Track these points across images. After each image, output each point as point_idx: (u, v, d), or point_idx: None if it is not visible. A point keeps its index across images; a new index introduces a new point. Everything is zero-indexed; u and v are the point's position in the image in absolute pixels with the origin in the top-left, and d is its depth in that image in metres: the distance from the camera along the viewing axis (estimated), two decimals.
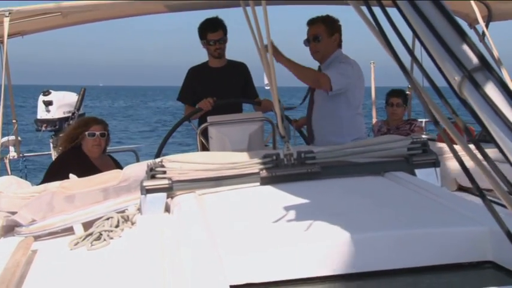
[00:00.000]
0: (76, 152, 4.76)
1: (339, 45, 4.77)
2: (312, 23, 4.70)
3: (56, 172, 4.21)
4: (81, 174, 3.07)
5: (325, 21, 4.68)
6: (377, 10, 1.25)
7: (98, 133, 4.75)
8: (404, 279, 1.75)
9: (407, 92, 6.24)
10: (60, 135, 6.32)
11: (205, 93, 5.15)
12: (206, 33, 5.22)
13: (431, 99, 1.17)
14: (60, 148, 5.04)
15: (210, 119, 4.52)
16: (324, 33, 4.64)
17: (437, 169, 2.69)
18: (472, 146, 1.04)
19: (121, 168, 3.81)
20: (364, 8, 1.44)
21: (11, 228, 2.85)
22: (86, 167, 4.28)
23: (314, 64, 4.83)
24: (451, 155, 2.85)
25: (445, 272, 1.77)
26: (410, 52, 1.14)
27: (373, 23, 1.26)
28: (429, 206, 2.15)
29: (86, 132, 4.74)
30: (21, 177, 4.59)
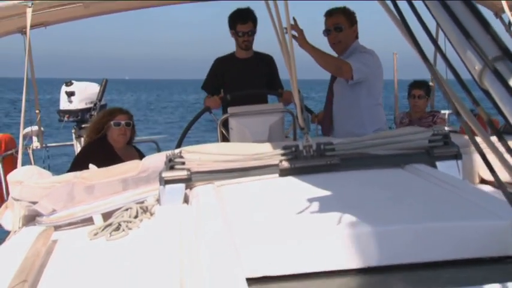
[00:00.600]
0: (101, 142, 4.79)
1: (357, 37, 4.74)
2: (331, 13, 4.67)
3: (81, 163, 4.24)
4: (105, 164, 3.08)
5: (345, 12, 4.67)
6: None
7: (123, 122, 4.78)
8: (424, 274, 1.73)
9: (431, 84, 6.16)
10: (84, 126, 6.39)
11: (231, 84, 5.16)
12: (236, 24, 5.20)
13: (454, 91, 1.14)
14: (86, 139, 5.07)
15: (230, 110, 4.52)
16: (346, 23, 4.62)
17: (459, 162, 2.64)
18: (494, 138, 1.01)
19: (143, 156, 3.84)
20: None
21: (32, 218, 2.88)
22: (111, 158, 4.31)
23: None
24: (474, 147, 2.81)
25: (466, 267, 1.74)
26: (434, 42, 1.12)
27: (396, 13, 1.24)
28: (450, 199, 2.11)
29: (112, 122, 4.76)
30: (44, 167, 4.64)
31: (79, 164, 4.38)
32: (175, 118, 36.84)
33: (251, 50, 5.38)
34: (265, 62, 5.47)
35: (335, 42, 4.68)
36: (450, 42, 1.01)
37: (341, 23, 4.61)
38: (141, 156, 4.90)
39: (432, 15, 1.04)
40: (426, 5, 1.05)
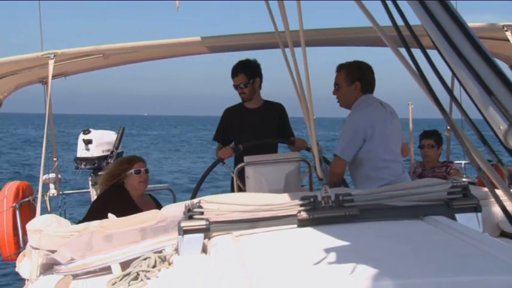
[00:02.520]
0: (118, 190, 4.82)
1: (366, 91, 4.62)
2: (336, 70, 4.67)
3: (97, 211, 4.26)
4: (123, 213, 3.10)
5: (347, 69, 4.60)
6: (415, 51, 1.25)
7: (143, 169, 4.84)
8: None
9: (446, 134, 6.16)
10: (100, 173, 6.43)
11: (241, 134, 5.19)
12: (232, 77, 5.32)
13: (472, 143, 1.16)
14: (101, 186, 5.10)
15: (246, 159, 4.54)
16: (344, 82, 4.56)
17: (479, 214, 2.63)
18: None
19: (160, 207, 3.85)
20: (402, 51, 1.45)
21: (50, 266, 2.89)
22: (128, 206, 4.33)
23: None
24: (493, 199, 2.80)
25: None
26: (454, 98, 1.14)
27: (413, 65, 1.26)
28: (470, 253, 2.09)
29: (132, 170, 4.81)
30: (60, 214, 4.66)
31: (96, 210, 4.40)
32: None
33: (259, 99, 5.42)
34: (275, 111, 5.49)
35: (337, 100, 4.70)
36: (471, 99, 1.03)
37: (338, 81, 4.60)
38: (157, 204, 4.93)
39: (453, 72, 1.06)
40: (444, 59, 1.07)
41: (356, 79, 4.57)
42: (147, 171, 4.90)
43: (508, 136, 0.92)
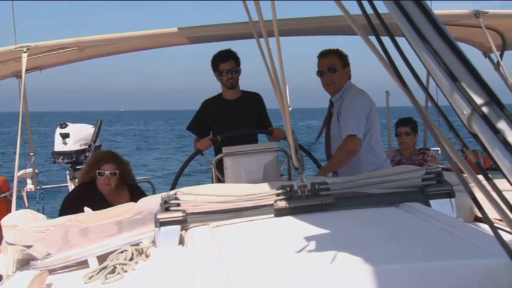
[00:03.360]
0: (90, 186, 4.79)
1: (349, 78, 4.84)
2: (325, 55, 4.76)
3: (70, 205, 4.23)
4: (94, 208, 3.09)
5: (338, 53, 4.77)
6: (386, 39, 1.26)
7: (107, 172, 4.75)
8: None
9: (422, 121, 6.21)
10: (79, 167, 6.40)
11: (220, 126, 5.19)
12: (218, 63, 5.31)
13: (442, 131, 1.17)
14: (78, 181, 5.08)
15: (225, 149, 4.54)
16: (339, 64, 4.70)
17: (453, 200, 2.66)
18: (482, 177, 1.03)
19: (136, 197, 3.82)
20: (373, 39, 1.45)
21: (26, 262, 2.87)
22: (99, 202, 4.29)
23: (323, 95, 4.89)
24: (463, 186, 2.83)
25: None
26: (421, 84, 1.15)
27: (383, 54, 1.26)
28: (444, 238, 2.12)
29: (97, 171, 4.76)
30: (37, 210, 4.62)
31: (68, 206, 4.38)
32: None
33: (238, 90, 5.44)
34: (253, 100, 5.52)
35: (328, 83, 4.76)
36: (437, 85, 1.04)
37: (335, 63, 4.70)
38: (133, 196, 4.84)
39: (420, 59, 1.07)
40: (412, 47, 1.08)
41: (347, 64, 4.81)
42: (113, 174, 4.78)
43: (471, 121, 0.93)
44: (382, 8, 1.23)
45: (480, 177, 1.03)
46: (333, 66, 4.70)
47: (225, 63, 5.29)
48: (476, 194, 1.11)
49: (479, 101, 0.92)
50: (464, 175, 1.11)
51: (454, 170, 1.12)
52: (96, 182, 4.80)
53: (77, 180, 6.32)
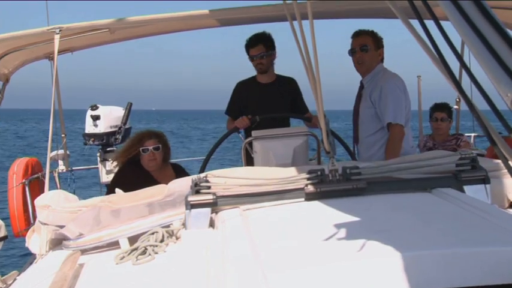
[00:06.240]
0: (135, 166, 4.81)
1: (382, 60, 4.78)
2: (358, 34, 4.70)
3: (115, 187, 4.26)
4: (141, 187, 3.08)
5: (372, 34, 4.72)
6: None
7: (151, 148, 4.78)
8: None
9: (456, 107, 6.12)
10: (109, 149, 6.45)
11: (253, 109, 5.17)
12: (248, 48, 5.28)
13: (484, 115, 1.14)
14: (117, 162, 5.07)
15: (254, 133, 4.53)
16: (372, 44, 4.65)
17: (487, 186, 2.61)
18: None
19: (180, 175, 3.84)
20: (412, 21, 1.42)
21: (59, 242, 2.91)
22: (146, 181, 4.31)
23: (355, 76, 4.84)
24: (502, 171, 2.77)
25: None
26: (464, 66, 1.12)
27: (424, 35, 1.23)
28: (479, 224, 2.08)
29: (141, 148, 4.79)
30: (69, 190, 4.69)
31: (114, 187, 4.40)
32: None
33: (272, 73, 5.40)
34: (288, 85, 5.47)
35: (359, 62, 4.71)
36: (481, 66, 1.01)
37: (367, 43, 4.65)
38: (178, 173, 4.86)
39: (462, 42, 1.05)
40: (456, 29, 1.05)
41: (381, 46, 4.75)
42: (157, 148, 4.81)
43: None
44: None
45: None
46: (365, 46, 4.65)
47: (254, 49, 5.26)
48: None
49: None
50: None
51: (498, 153, 1.09)
52: (141, 161, 4.83)
53: (107, 161, 6.38)
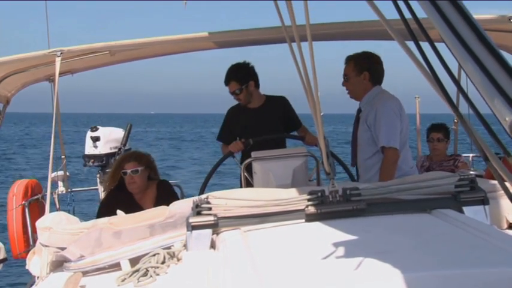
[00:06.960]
0: (120, 190, 4.80)
1: (376, 82, 4.70)
2: (345, 61, 4.71)
3: (104, 212, 4.25)
4: (124, 210, 3.11)
5: (355, 58, 4.67)
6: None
7: (129, 171, 4.70)
8: None
9: (453, 127, 6.14)
10: (108, 170, 6.46)
11: (243, 133, 5.18)
12: (225, 85, 5.34)
13: (481, 136, 1.16)
14: (105, 187, 5.07)
15: (254, 154, 4.55)
16: (352, 73, 4.62)
17: (487, 207, 2.62)
18: None
19: (162, 193, 3.80)
20: (408, 43, 1.45)
21: (60, 264, 2.90)
22: (127, 204, 4.29)
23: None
24: (501, 192, 2.79)
25: None
26: (461, 89, 1.14)
27: (421, 58, 1.26)
28: (478, 245, 2.09)
29: (121, 171, 4.77)
30: (68, 211, 4.69)
31: (103, 212, 4.39)
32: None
33: (259, 98, 5.40)
34: (277, 105, 5.47)
35: (347, 92, 4.73)
36: (478, 91, 1.03)
37: (346, 72, 4.65)
38: (159, 191, 4.78)
39: (459, 64, 1.06)
40: (451, 51, 1.07)
41: (365, 69, 4.64)
42: (135, 171, 4.70)
43: None
44: (418, 13, 1.22)
45: None
46: (345, 76, 4.66)
47: (228, 86, 5.31)
48: None
49: None
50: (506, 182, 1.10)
51: (494, 174, 1.11)
52: (126, 184, 4.82)
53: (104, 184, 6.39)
